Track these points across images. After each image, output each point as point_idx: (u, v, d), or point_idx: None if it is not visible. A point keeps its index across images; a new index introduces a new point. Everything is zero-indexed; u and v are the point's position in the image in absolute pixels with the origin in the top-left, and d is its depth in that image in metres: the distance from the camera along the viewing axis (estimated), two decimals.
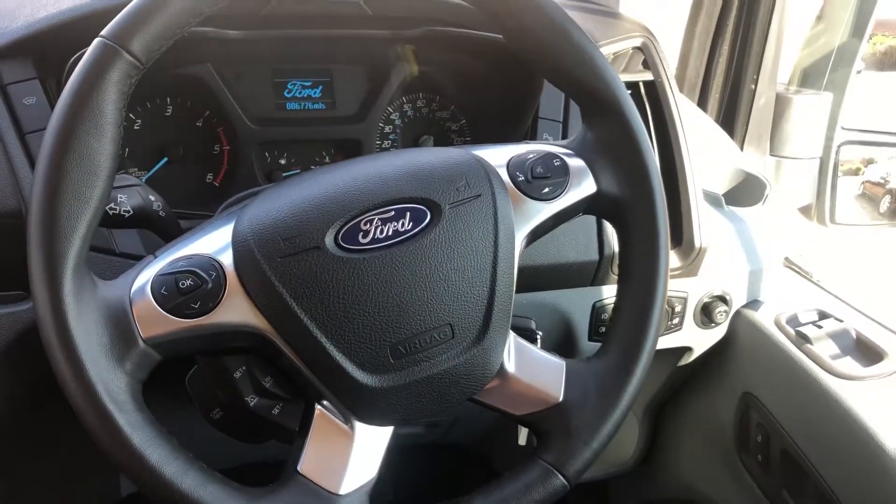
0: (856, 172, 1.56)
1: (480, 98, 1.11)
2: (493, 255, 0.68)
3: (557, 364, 0.73)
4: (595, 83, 0.72)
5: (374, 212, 0.65)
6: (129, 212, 0.71)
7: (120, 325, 0.61)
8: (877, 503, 0.92)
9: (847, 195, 1.51)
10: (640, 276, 0.74)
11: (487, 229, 0.68)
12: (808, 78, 1.44)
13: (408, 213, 0.66)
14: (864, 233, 1.61)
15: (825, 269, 1.28)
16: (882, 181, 1.61)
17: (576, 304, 1.07)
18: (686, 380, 1.29)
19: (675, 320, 1.11)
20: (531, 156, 0.74)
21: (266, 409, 0.69)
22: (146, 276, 0.63)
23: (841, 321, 1.09)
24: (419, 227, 0.66)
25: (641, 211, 0.74)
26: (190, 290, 0.62)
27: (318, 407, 0.66)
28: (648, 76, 1.08)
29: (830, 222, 1.43)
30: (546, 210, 0.73)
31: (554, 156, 0.74)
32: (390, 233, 0.65)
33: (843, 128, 1.39)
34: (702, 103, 1.39)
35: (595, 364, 0.74)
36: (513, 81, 1.04)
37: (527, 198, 0.72)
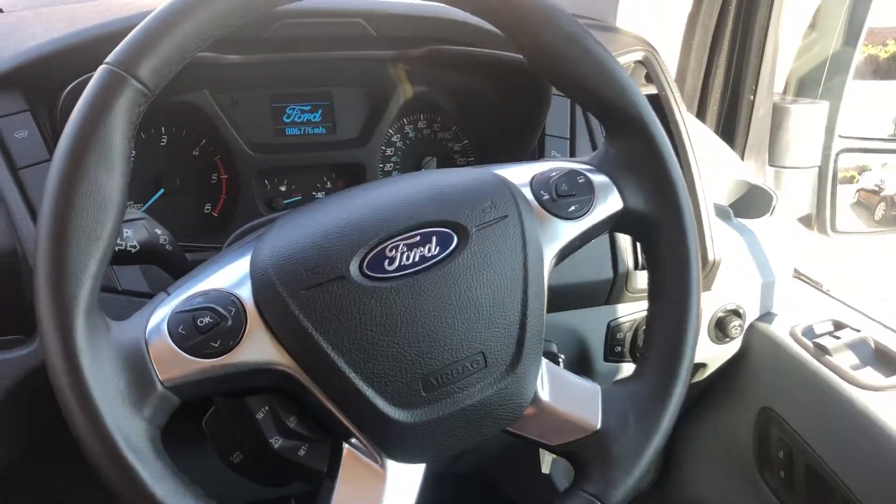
0: (850, 180, 1.56)
1: (484, 117, 1.08)
2: (524, 277, 0.65)
3: (592, 389, 0.70)
4: (617, 97, 0.70)
5: (399, 237, 0.62)
6: (135, 247, 0.67)
7: (136, 369, 0.57)
8: None
9: (842, 204, 1.50)
10: (672, 294, 0.71)
11: (516, 251, 0.65)
12: (804, 87, 1.43)
13: (434, 238, 0.63)
14: (863, 241, 1.60)
15: (833, 279, 1.27)
16: (876, 188, 1.61)
17: (590, 324, 1.04)
18: (701, 397, 1.26)
19: None
20: (554, 173, 0.71)
21: (292, 450, 0.66)
22: (161, 314, 0.59)
23: (858, 331, 1.07)
24: (446, 252, 0.63)
25: (670, 226, 0.71)
26: (209, 328, 0.58)
27: (346, 446, 0.63)
28: (652, 90, 1.06)
29: (832, 231, 1.42)
30: (573, 229, 0.70)
31: (577, 173, 0.71)
32: (417, 259, 0.62)
33: (840, 136, 1.39)
34: (700, 116, 1.38)
35: (632, 387, 0.71)
36: (518, 100, 1.02)
37: (553, 217, 0.69)
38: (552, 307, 1.00)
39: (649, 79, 1.08)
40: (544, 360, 0.69)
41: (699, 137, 1.15)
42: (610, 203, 0.72)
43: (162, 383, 0.57)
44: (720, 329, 1.11)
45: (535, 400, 0.67)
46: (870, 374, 1.01)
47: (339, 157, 1.04)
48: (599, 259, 0.99)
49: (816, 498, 1.04)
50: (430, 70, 1.02)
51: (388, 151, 1.07)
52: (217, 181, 1.01)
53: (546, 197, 0.70)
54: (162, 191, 0.98)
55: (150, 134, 0.98)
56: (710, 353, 1.14)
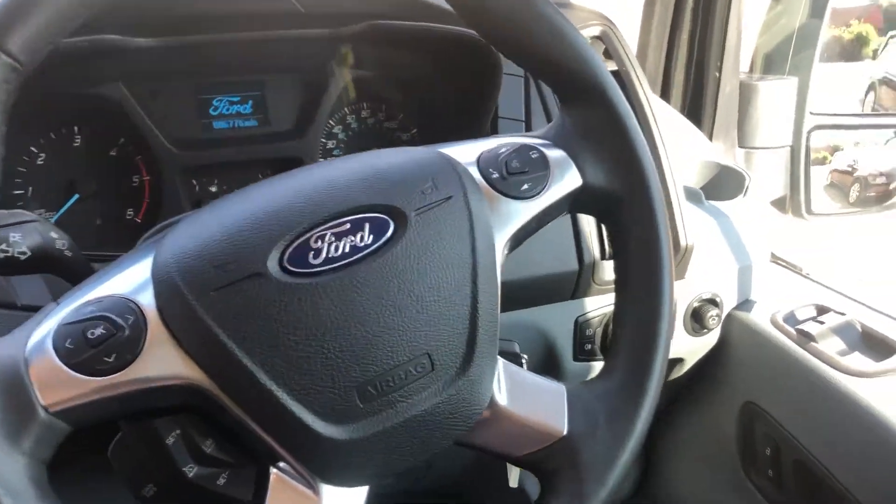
0: (822, 161, 1.50)
1: (432, 102, 1.00)
2: (472, 266, 0.57)
3: (557, 390, 0.62)
4: (571, 61, 0.62)
5: (325, 226, 0.54)
6: (25, 253, 0.58)
7: (13, 393, 0.48)
8: None
9: (816, 186, 1.44)
10: (641, 278, 0.64)
11: (463, 236, 0.57)
12: (771, 63, 1.37)
13: (367, 225, 0.55)
14: (839, 222, 1.54)
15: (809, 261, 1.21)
16: (850, 169, 1.55)
17: (556, 320, 0.96)
18: (680, 394, 1.19)
19: None
20: (504, 149, 0.63)
21: (209, 479, 0.57)
22: (46, 327, 0.50)
23: (843, 314, 1.00)
24: (382, 240, 0.55)
25: (636, 204, 0.64)
26: (102, 341, 0.49)
27: (273, 470, 0.54)
28: (612, 66, 0.99)
29: (807, 213, 1.35)
30: (527, 210, 0.62)
31: (530, 147, 0.64)
32: (347, 249, 0.54)
33: (811, 113, 1.32)
34: (664, 97, 1.31)
35: (600, 386, 0.63)
36: (467, 80, 0.94)
37: (504, 197, 0.61)
38: (513, 304, 0.93)
39: (608, 55, 1.01)
40: (501, 361, 0.61)
41: (664, 118, 1.08)
42: (567, 180, 0.64)
43: (45, 408, 0.48)
44: (696, 320, 1.03)
45: (492, 405, 0.59)
46: (858, 360, 0.94)
47: (273, 152, 0.95)
48: (563, 249, 0.91)
49: (807, 496, 0.97)
50: (371, 51, 0.94)
51: (330, 144, 0.99)
52: (139, 183, 0.92)
53: (495, 175, 0.62)
54: (77, 196, 0.89)
55: (61, 134, 0.88)
56: (687, 347, 1.06)
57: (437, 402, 0.55)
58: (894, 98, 1.98)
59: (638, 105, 0.97)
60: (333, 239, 0.54)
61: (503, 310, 0.90)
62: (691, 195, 1.03)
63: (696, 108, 1.28)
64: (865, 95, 2.05)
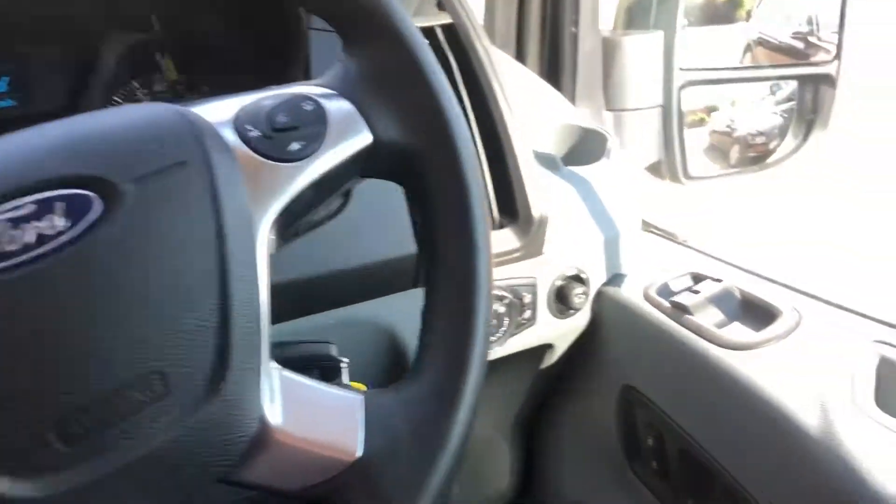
0: (700, 123, 1.42)
1: (235, 69, 0.86)
2: (219, 249, 0.43)
3: (350, 400, 0.49)
4: None
5: None
6: None
7: None
8: (798, 492, 0.73)
9: (696, 150, 1.36)
10: (451, 255, 0.51)
11: (203, 211, 0.43)
12: (634, 17, 1.27)
13: (59, 205, 0.40)
14: (719, 184, 1.46)
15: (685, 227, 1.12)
16: (728, 129, 1.48)
17: (398, 314, 0.84)
18: (555, 385, 1.07)
19: (527, 314, 0.90)
20: (268, 101, 0.49)
21: None
22: None
23: (719, 281, 0.90)
24: (83, 224, 0.40)
25: (439, 162, 0.51)
26: None
27: None
28: (446, 19, 0.87)
29: (685, 178, 1.26)
30: (300, 176, 0.48)
31: (303, 97, 0.50)
32: (31, 239, 0.39)
33: (681, 69, 1.23)
34: (520, 58, 1.19)
35: (406, 391, 0.49)
36: (267, 40, 0.80)
37: (266, 160, 0.47)
38: (347, 297, 0.79)
39: (441, 6, 0.89)
40: (277, 370, 0.47)
41: (518, 81, 0.97)
42: (354, 136, 0.50)
43: None
44: (561, 301, 0.92)
45: (263, 428, 0.45)
46: (738, 331, 0.85)
47: None
48: (397, 230, 0.78)
49: (694, 485, 0.87)
50: (153, 11, 0.79)
51: None
52: None
53: (255, 134, 0.48)
54: None
55: None
56: (555, 331, 0.95)
57: (178, 433, 0.41)
58: (769, 56, 1.94)
59: (477, 61, 0.86)
60: (9, 227, 0.39)
61: (334, 305, 0.78)
62: (545, 161, 0.92)
63: (556, 70, 1.17)
64: (742, 57, 2.02)
